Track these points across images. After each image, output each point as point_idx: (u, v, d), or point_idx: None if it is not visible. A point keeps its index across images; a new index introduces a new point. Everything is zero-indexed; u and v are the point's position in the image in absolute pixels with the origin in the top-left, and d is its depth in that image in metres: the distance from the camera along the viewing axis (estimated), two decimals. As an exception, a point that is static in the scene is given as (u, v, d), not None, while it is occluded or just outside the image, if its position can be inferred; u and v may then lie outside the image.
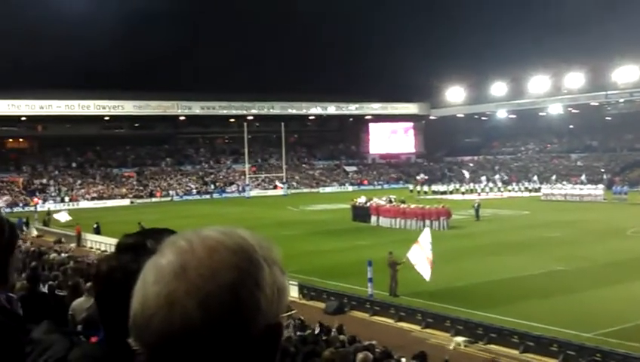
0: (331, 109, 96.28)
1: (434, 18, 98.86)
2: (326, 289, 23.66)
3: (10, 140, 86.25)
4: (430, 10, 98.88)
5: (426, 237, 23.63)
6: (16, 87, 71.57)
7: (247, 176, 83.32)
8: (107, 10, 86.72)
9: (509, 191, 72.97)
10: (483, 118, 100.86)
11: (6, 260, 2.40)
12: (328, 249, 33.67)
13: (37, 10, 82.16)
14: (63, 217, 49.21)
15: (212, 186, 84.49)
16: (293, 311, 17.76)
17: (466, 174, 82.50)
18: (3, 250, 2.35)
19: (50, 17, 79.19)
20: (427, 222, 41.08)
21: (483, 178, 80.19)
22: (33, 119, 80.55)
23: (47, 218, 51.39)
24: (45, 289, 10.50)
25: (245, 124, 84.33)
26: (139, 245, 1.57)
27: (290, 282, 18.84)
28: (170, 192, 80.00)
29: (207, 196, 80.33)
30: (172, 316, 0.89)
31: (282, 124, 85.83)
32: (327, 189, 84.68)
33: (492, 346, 17.59)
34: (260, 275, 0.95)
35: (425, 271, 22.63)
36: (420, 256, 23.15)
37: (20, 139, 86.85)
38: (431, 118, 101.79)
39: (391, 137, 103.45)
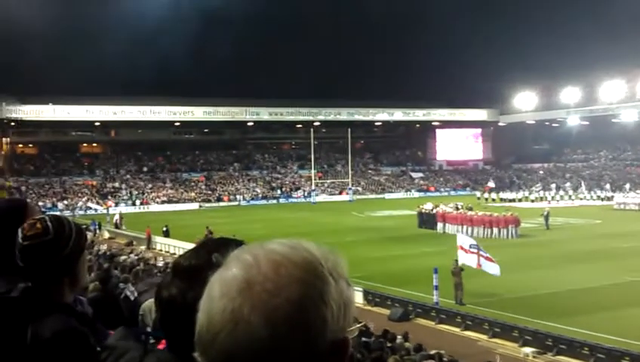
0: (398, 115, 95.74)
1: (503, 22, 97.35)
2: (391, 296, 23.52)
3: (85, 145, 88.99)
4: (499, 13, 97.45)
5: (463, 240, 23.67)
6: (91, 94, 73.92)
7: (313, 181, 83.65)
8: (179, 17, 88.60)
9: (580, 199, 71.11)
10: (554, 125, 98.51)
11: (75, 263, 2.49)
12: (393, 255, 33.49)
13: (112, 18, 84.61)
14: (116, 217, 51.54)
15: (278, 191, 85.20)
16: (360, 324, 17.71)
17: (537, 186, 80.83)
18: (71, 253, 2.45)
19: (125, 25, 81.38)
20: (495, 230, 40.48)
21: (553, 186, 78.36)
22: (107, 124, 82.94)
23: (118, 221, 52.82)
24: (118, 291, 10.78)
25: (312, 129, 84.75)
26: (195, 269, 1.59)
27: (355, 288, 18.83)
28: (238, 197, 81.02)
29: (274, 201, 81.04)
30: (237, 332, 0.88)
31: (349, 130, 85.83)
32: (393, 195, 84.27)
33: (561, 358, 17.17)
34: (326, 290, 0.93)
35: (492, 268, 22.52)
36: (473, 258, 23.12)
37: (94, 144, 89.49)
38: (500, 124, 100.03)
39: (458, 143, 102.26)
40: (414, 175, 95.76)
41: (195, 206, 75.29)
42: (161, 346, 1.77)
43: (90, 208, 66.42)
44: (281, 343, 0.88)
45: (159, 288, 1.70)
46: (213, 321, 0.91)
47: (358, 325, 17.98)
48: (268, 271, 0.91)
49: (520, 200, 71.60)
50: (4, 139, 79.71)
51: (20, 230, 2.42)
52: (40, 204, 63.24)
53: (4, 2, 64.89)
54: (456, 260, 23.79)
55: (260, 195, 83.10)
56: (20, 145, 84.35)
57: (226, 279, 0.93)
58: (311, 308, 0.90)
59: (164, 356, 1.64)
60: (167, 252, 37.84)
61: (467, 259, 23.44)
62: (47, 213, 3.24)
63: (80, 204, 70.28)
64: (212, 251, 1.57)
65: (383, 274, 27.83)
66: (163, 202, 76.20)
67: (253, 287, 0.90)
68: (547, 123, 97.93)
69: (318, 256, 0.96)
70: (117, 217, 53.47)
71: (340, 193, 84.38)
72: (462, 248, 23.73)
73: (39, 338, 2.24)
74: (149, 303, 10.43)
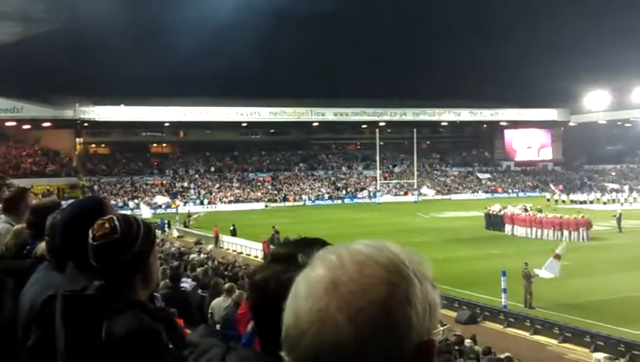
0: (465, 115, 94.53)
1: (573, 20, 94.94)
2: (458, 298, 23.22)
3: (155, 145, 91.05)
4: (569, 11, 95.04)
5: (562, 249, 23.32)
6: (161, 95, 75.61)
7: (378, 181, 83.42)
8: (246, 18, 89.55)
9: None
10: (626, 125, 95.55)
11: (145, 261, 2.53)
12: (460, 257, 33.09)
13: (181, 19, 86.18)
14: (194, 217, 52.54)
15: (343, 191, 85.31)
16: (446, 326, 17.53)
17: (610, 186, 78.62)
18: (140, 251, 2.49)
19: (194, 26, 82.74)
20: (565, 232, 39.51)
21: (626, 187, 76.04)
22: (176, 125, 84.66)
23: (187, 220, 53.80)
24: (187, 288, 10.97)
25: (377, 130, 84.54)
26: (291, 256, 1.60)
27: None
28: (303, 197, 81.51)
29: (339, 201, 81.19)
30: (323, 332, 0.88)
31: (414, 130, 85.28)
32: (459, 197, 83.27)
33: (635, 365, 16.64)
34: (411, 291, 0.93)
35: (553, 268, 22.13)
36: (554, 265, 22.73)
37: (164, 144, 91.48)
38: (570, 124, 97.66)
39: (527, 144, 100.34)
40: (481, 176, 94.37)
41: (261, 205, 76.03)
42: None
43: (160, 206, 67.78)
44: (366, 344, 0.88)
45: (253, 273, 1.73)
46: (299, 321, 0.92)
47: (444, 327, 17.79)
48: (353, 272, 0.91)
49: (591, 202, 69.73)
50: (77, 139, 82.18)
51: (90, 230, 2.47)
52: (112, 203, 64.90)
53: (75, 4, 66.89)
54: (526, 263, 23.36)
55: (326, 195, 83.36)
56: (93, 146, 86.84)
57: (311, 279, 0.93)
58: (396, 309, 0.90)
59: (246, 354, 1.65)
60: (235, 251, 38.36)
61: (551, 269, 22.89)
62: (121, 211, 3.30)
63: (149, 202, 71.92)
64: (300, 250, 1.58)
65: (450, 275, 27.48)
66: (230, 202, 77.23)
67: (338, 288, 0.90)
68: (620, 123, 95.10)
69: (402, 257, 0.97)
70: (192, 215, 55.12)
71: (405, 194, 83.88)
72: (557, 256, 23.26)
73: (113, 336, 2.27)
74: (217, 301, 10.59)
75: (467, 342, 15.81)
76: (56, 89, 72.42)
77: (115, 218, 2.49)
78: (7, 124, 72.11)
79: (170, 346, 2.36)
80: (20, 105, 69.33)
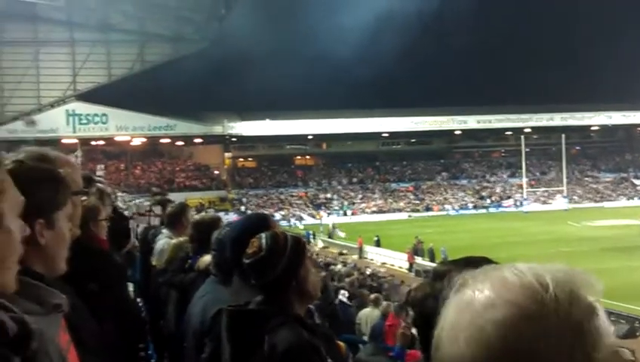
0: (617, 118, 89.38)
1: None
2: (614, 311, 22.00)
3: (299, 158, 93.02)
4: None
5: None
6: (303, 108, 77.37)
7: (525, 190, 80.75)
8: (385, 29, 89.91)
9: None
10: None
11: (296, 275, 2.60)
12: (616, 267, 31.33)
13: (320, 34, 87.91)
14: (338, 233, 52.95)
15: (488, 200, 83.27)
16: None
17: None
18: (289, 266, 2.57)
19: (332, 40, 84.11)
20: None
21: None
22: (318, 137, 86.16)
23: (331, 231, 54.56)
24: (336, 300, 11.12)
25: (522, 136, 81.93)
26: (452, 273, 1.62)
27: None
28: (446, 206, 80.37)
29: (483, 210, 79.22)
30: (471, 351, 0.88)
31: (562, 135, 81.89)
32: (613, 204, 78.89)
33: None
34: (539, 315, 0.89)
35: None
36: None
37: (307, 157, 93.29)
38: None
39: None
40: (637, 182, 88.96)
41: (404, 216, 75.62)
42: None
43: (303, 219, 69.22)
44: None
45: (414, 290, 1.77)
46: (448, 339, 0.91)
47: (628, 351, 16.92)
48: (489, 292, 0.90)
49: None
50: (226, 154, 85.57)
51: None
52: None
53: (222, 23, 69.78)
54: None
55: (470, 205, 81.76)
56: (241, 159, 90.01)
57: (462, 299, 0.93)
58: (513, 332, 0.87)
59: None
60: (379, 261, 38.39)
61: None
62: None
63: (295, 214, 73.60)
64: (462, 267, 1.59)
65: (605, 287, 26.04)
66: (373, 212, 77.52)
67: (470, 305, 0.90)
68: None
69: (553, 278, 0.92)
70: (335, 227, 55.96)
71: (553, 201, 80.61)
72: None
73: (275, 350, 2.37)
74: (364, 312, 10.69)
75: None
76: (205, 106, 76.03)
77: (263, 236, 2.60)
78: (162, 140, 76.39)
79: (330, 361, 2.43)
80: (173, 122, 73.12)
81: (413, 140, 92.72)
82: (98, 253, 3.44)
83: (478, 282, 0.93)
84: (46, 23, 66.81)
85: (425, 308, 1.61)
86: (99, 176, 12.25)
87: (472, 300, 0.91)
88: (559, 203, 78.74)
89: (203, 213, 7.65)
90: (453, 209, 79.60)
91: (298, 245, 2.60)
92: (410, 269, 35.16)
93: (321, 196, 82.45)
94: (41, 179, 1.74)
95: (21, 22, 65.11)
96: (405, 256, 36.61)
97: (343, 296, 11.01)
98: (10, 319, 1.04)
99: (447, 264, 1.75)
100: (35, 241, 1.66)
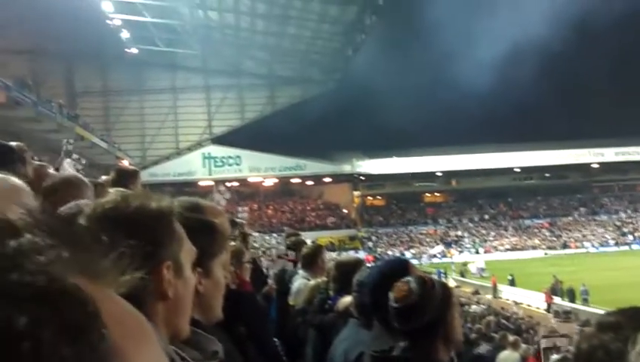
0: None
1: None
2: None
3: (428, 195, 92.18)
4: None
5: None
6: (431, 143, 76.84)
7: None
8: (514, 64, 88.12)
9: None
10: None
11: (444, 320, 2.54)
12: None
13: (445, 70, 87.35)
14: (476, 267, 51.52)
15: (630, 237, 78.79)
16: None
17: None
18: (438, 311, 2.51)
19: (459, 76, 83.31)
20: None
21: None
22: (447, 174, 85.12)
23: (463, 269, 53.43)
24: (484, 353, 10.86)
25: (667, 168, 77.36)
26: (620, 326, 1.53)
27: None
28: (585, 243, 76.80)
29: (625, 247, 74.93)
30: None
31: None
32: None
33: None
34: None
35: None
36: None
37: (437, 194, 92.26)
38: None
39: None
40: None
41: (539, 253, 72.93)
42: None
43: (436, 256, 68.31)
44: None
45: (579, 341, 1.70)
46: None
47: None
48: None
49: None
50: (355, 192, 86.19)
51: (390, 293, 2.56)
52: (389, 253, 66.88)
53: (346, 64, 70.82)
54: None
55: (610, 241, 77.70)
56: (369, 198, 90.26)
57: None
58: None
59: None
60: (514, 301, 37.09)
61: None
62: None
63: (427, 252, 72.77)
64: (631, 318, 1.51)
65: None
66: (506, 250, 75.34)
67: None
68: None
69: None
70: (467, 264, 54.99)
71: None
72: None
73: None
74: (504, 355, 10.32)
75: None
76: (333, 145, 77.18)
77: (412, 280, 2.56)
78: (293, 180, 78.12)
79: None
80: (303, 162, 74.68)
81: (547, 175, 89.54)
82: (245, 296, 3.52)
83: None
84: (183, 70, 70.56)
85: (593, 360, 1.53)
86: (240, 219, 12.66)
87: None
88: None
89: (345, 254, 7.73)
90: (593, 246, 75.95)
91: (447, 290, 2.56)
92: (548, 310, 33.82)
93: (452, 233, 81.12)
94: (198, 230, 1.80)
95: (161, 70, 69.13)
96: (542, 296, 35.22)
97: (488, 351, 10.61)
98: None
99: (615, 314, 1.65)
100: (195, 289, 1.72)
